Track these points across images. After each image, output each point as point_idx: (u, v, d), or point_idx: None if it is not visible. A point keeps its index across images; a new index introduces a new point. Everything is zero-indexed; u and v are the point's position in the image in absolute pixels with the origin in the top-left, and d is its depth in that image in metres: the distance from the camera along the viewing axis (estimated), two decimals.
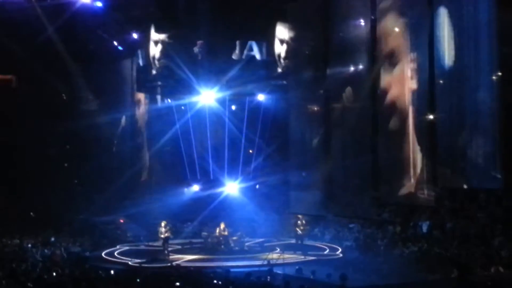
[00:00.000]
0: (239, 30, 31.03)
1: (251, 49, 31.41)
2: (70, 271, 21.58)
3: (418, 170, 28.93)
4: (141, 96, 35.54)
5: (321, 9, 32.30)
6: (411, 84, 29.37)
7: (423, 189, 28.20)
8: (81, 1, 31.28)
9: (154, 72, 31.84)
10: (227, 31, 30.84)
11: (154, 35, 31.95)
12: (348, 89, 32.21)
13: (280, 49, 31.74)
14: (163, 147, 33.99)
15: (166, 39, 31.39)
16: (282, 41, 31.86)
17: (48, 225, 30.90)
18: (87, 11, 32.16)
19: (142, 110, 35.69)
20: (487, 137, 27.01)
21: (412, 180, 28.53)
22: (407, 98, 29.60)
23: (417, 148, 28.71)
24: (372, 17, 30.94)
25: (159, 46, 31.70)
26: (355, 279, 19.86)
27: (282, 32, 31.78)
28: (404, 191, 28.37)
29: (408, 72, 29.23)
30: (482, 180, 26.99)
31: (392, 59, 29.80)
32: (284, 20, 31.97)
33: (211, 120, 32.42)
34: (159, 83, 31.63)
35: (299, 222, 27.17)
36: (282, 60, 31.69)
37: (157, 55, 31.79)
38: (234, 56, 31.42)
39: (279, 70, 31.90)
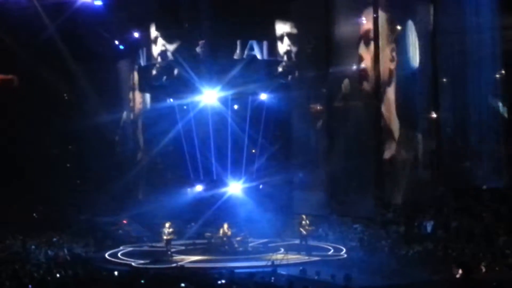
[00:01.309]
0: (240, 29, 30.93)
1: (252, 49, 31.24)
2: (73, 272, 21.49)
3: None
4: (137, 96, 35.41)
5: (322, 7, 32.28)
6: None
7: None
8: (82, 0, 31.24)
9: (154, 72, 31.57)
10: (229, 30, 30.74)
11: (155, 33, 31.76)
12: (351, 88, 32.20)
13: (283, 48, 31.59)
14: (166, 147, 33.91)
15: (165, 39, 31.20)
16: (284, 40, 31.76)
17: (51, 225, 30.84)
18: (88, 10, 32.11)
19: (137, 110, 35.54)
20: (491, 135, 27.03)
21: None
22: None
23: None
24: (374, 15, 30.93)
25: (161, 44, 31.44)
26: (359, 280, 19.78)
27: (285, 30, 31.68)
28: None
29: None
30: (486, 178, 27.00)
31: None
32: (287, 18, 31.90)
33: (213, 120, 32.30)
34: (164, 81, 31.30)
35: (303, 222, 27.02)
36: (285, 58, 31.55)
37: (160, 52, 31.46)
38: (235, 56, 31.25)
39: (280, 69, 31.75)
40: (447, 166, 28.43)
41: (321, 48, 32.57)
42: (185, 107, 32.85)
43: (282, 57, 31.64)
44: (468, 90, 27.89)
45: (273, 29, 31.60)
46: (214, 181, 32.56)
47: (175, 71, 30.57)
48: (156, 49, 31.75)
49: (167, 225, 26.56)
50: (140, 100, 35.46)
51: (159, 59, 31.29)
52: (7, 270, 21.92)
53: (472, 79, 27.76)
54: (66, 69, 33.54)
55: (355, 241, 28.49)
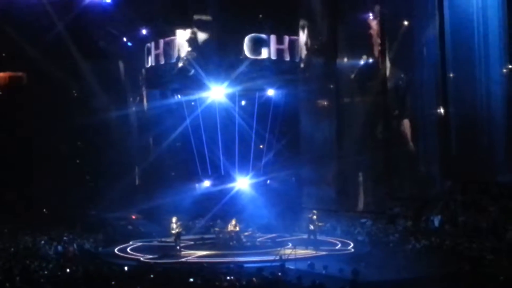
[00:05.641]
0: (249, 24, 31.04)
1: (260, 45, 31.25)
2: (83, 267, 21.64)
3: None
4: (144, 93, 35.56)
5: (330, 3, 32.35)
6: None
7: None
8: None
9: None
10: (237, 26, 30.83)
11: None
12: (358, 84, 32.28)
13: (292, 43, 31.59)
14: (174, 143, 34.10)
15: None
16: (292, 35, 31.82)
17: (60, 221, 31.05)
18: (97, 8, 32.29)
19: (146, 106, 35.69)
20: (498, 130, 27.03)
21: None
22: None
23: None
24: (381, 11, 30.97)
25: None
26: (367, 274, 19.87)
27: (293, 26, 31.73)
28: None
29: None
30: (494, 173, 27.01)
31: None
32: (294, 14, 31.96)
33: (221, 116, 32.44)
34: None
35: (314, 217, 27.01)
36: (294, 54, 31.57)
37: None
38: (243, 51, 31.24)
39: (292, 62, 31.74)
40: (456, 160, 28.49)
41: (329, 43, 32.67)
42: (193, 103, 33.01)
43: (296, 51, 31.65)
44: (476, 84, 27.91)
45: (282, 24, 31.62)
46: (222, 177, 32.72)
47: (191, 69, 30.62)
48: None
49: (173, 220, 26.66)
50: (147, 97, 35.65)
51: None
52: (17, 265, 22.12)
53: (480, 74, 27.79)
54: (74, 67, 33.71)
55: (362, 235, 28.55)
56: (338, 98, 32.96)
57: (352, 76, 32.22)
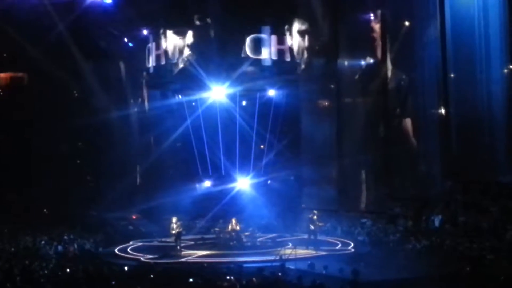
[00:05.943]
0: (249, 24, 31.02)
1: (260, 45, 31.23)
2: (83, 267, 21.65)
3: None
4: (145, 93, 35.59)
5: (331, 3, 32.38)
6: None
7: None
8: None
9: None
10: (238, 26, 30.83)
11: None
12: (359, 84, 32.32)
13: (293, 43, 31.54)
14: (174, 143, 34.11)
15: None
16: (293, 35, 31.78)
17: (61, 221, 31.08)
18: (97, 8, 32.33)
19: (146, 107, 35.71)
20: (499, 130, 27.05)
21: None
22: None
23: None
24: (382, 11, 31.01)
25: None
26: (367, 274, 19.86)
27: (294, 26, 31.70)
28: None
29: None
30: (494, 173, 27.02)
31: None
32: (295, 14, 31.94)
33: (222, 116, 32.43)
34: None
35: (315, 217, 27.00)
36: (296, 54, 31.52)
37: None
38: (243, 52, 31.23)
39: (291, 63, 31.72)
40: (457, 160, 28.50)
41: (330, 44, 32.71)
42: (193, 103, 33.01)
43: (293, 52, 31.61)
44: (477, 85, 27.94)
45: (283, 25, 31.60)
46: (223, 177, 32.72)
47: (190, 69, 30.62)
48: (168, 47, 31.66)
49: (174, 220, 26.68)
50: (148, 97, 35.68)
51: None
52: (18, 265, 22.13)
53: (481, 73, 27.82)
54: (75, 67, 33.76)
55: (363, 235, 28.53)
56: (338, 98, 33.01)
57: (356, 77, 32.29)
